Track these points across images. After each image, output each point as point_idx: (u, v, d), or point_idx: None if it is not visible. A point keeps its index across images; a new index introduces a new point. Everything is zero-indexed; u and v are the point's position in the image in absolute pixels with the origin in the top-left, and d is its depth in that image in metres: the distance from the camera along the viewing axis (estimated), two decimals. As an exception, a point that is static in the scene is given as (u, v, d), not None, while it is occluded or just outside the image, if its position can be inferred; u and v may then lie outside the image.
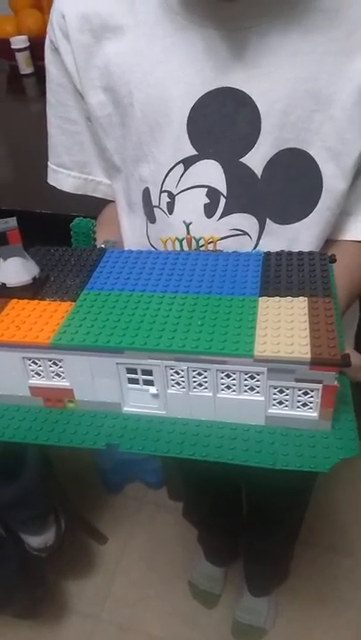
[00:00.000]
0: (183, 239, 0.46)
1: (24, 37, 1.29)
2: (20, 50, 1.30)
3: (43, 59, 1.37)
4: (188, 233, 0.52)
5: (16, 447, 0.79)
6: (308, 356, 0.29)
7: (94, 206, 0.63)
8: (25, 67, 1.32)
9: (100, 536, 1.18)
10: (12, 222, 0.36)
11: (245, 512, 0.98)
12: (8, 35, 1.31)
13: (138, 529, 1.22)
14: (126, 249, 0.44)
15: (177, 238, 0.46)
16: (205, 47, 0.44)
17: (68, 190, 0.60)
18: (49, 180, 0.61)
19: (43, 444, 0.34)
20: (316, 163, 0.46)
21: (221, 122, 0.46)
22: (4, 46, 1.31)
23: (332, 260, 0.40)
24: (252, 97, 0.44)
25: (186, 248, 0.46)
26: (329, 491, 1.21)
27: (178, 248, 0.45)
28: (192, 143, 0.47)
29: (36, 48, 1.29)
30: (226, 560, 1.11)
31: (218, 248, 0.45)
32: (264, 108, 0.44)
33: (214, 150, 0.47)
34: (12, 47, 1.29)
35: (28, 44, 1.30)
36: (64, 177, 0.59)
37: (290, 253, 0.40)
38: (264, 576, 1.05)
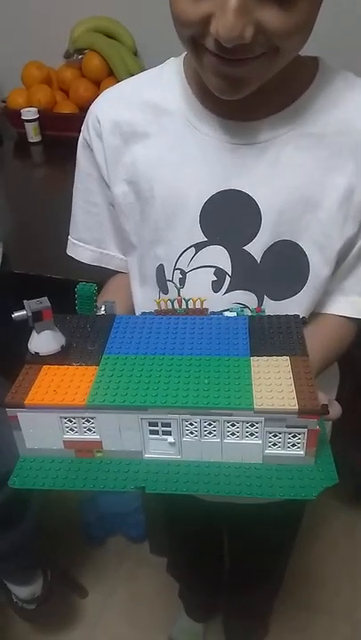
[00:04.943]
0: (175, 300, 0.54)
1: (34, 109, 1.40)
2: (29, 120, 1.41)
3: (49, 128, 1.51)
4: (179, 295, 0.61)
5: (17, 496, 0.82)
6: (296, 407, 0.38)
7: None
8: (33, 135, 1.42)
9: (80, 589, 1.19)
10: (46, 302, 0.43)
11: (227, 567, 1.03)
12: (19, 106, 1.42)
13: (119, 583, 1.24)
14: (130, 315, 0.52)
15: (169, 299, 0.54)
16: (218, 157, 0.53)
17: (84, 261, 0.68)
18: (68, 252, 0.69)
19: (79, 489, 0.40)
20: (304, 252, 0.55)
21: (228, 217, 0.55)
22: (15, 116, 1.42)
23: (305, 322, 0.49)
24: (255, 198, 0.54)
25: (177, 306, 0.54)
26: (307, 548, 1.27)
27: (170, 307, 0.54)
28: (203, 231, 0.56)
29: (44, 119, 1.41)
30: (206, 615, 1.15)
31: (204, 307, 0.54)
32: (264, 208, 0.54)
33: (221, 238, 0.56)
34: (22, 118, 1.40)
35: (37, 115, 1.41)
36: (82, 250, 0.67)
37: (270, 317, 0.49)
38: (243, 632, 1.10)
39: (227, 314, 0.52)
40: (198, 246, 0.56)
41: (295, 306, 0.57)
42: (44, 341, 0.43)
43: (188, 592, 1.11)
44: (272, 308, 0.57)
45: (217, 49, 0.43)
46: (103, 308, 0.54)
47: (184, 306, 0.54)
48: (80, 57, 1.44)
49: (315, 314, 0.60)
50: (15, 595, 1.04)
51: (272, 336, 0.46)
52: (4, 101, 1.49)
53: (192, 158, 0.54)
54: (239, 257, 0.56)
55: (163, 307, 0.53)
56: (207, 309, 0.53)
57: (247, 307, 0.57)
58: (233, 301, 0.57)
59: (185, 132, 0.54)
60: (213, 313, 0.53)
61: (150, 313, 0.56)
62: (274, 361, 0.43)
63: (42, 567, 1.02)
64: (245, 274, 0.56)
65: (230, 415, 0.39)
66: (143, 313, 0.57)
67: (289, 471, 0.40)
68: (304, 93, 0.53)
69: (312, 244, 0.55)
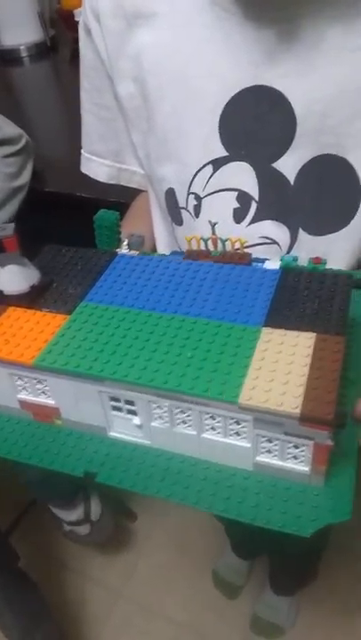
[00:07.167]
0: (208, 239, 0.43)
1: None
2: None
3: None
4: (214, 233, 0.49)
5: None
6: (298, 410, 0.26)
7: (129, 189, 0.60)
8: None
9: (130, 514, 1.20)
10: (10, 229, 0.34)
11: None
12: (74, 7, 1.24)
13: (168, 510, 1.23)
14: (134, 255, 0.42)
15: (202, 238, 0.43)
16: (243, 40, 0.39)
17: (101, 180, 0.58)
18: (82, 169, 0.59)
19: (26, 462, 0.33)
20: (355, 170, 0.41)
21: (254, 122, 0.42)
22: (70, 18, 1.23)
23: (359, 284, 0.36)
24: (288, 97, 0.40)
25: (211, 248, 0.43)
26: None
27: (203, 247, 0.42)
28: (223, 143, 0.44)
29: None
30: (252, 553, 1.10)
31: (246, 251, 0.42)
32: (301, 110, 0.40)
33: (247, 152, 0.43)
34: (76, 19, 1.24)
35: None
36: (97, 165, 0.57)
37: (311, 274, 0.36)
38: (288, 576, 1.03)
39: (269, 264, 0.40)
40: (217, 163, 0.44)
41: (340, 242, 0.43)
42: (6, 278, 0.35)
43: (232, 531, 1.07)
44: (309, 245, 0.44)
45: None
46: (126, 243, 0.45)
47: (220, 247, 0.43)
48: None
49: None
50: (62, 519, 1.06)
51: (304, 300, 0.34)
52: (59, 3, 1.32)
53: (211, 43, 0.41)
54: (268, 177, 0.42)
55: (194, 246, 0.43)
56: (249, 255, 0.41)
57: (278, 243, 0.44)
58: (260, 235, 0.45)
59: (201, 8, 0.41)
60: (257, 260, 0.41)
61: (181, 253, 0.45)
62: (293, 337, 0.31)
63: (83, 494, 1.03)
64: (276, 199, 0.43)
65: (207, 405, 0.28)
66: (174, 252, 0.46)
67: (286, 489, 0.29)
68: None
69: None
